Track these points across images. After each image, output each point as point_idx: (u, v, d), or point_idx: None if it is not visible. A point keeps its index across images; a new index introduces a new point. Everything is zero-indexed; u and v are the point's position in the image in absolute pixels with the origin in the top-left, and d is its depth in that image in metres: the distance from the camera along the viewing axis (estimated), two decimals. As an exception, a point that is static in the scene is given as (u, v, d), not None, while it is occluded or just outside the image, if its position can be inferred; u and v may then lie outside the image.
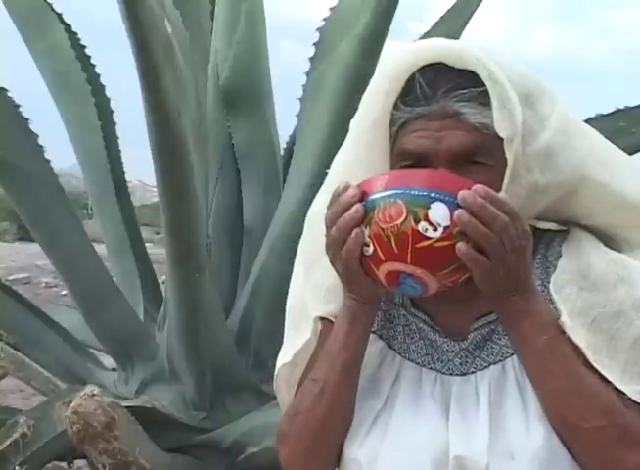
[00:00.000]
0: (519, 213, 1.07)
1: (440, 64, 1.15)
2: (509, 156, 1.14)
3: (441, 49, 1.16)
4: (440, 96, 1.14)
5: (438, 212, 1.05)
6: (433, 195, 1.05)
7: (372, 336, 1.24)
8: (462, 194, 1.05)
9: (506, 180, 1.15)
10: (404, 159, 1.17)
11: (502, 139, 1.14)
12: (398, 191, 1.07)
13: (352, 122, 1.25)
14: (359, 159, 1.23)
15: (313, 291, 1.28)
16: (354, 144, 1.24)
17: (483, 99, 1.13)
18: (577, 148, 1.20)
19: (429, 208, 1.05)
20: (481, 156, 1.15)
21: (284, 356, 1.32)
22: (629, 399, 1.14)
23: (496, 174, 1.15)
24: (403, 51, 1.18)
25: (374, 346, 1.24)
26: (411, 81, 1.16)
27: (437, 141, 1.14)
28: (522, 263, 1.09)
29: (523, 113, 1.14)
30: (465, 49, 1.15)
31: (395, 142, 1.18)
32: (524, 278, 1.11)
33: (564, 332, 1.14)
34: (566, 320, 1.15)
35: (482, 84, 1.13)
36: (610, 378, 1.14)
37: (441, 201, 1.05)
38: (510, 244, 1.06)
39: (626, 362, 1.14)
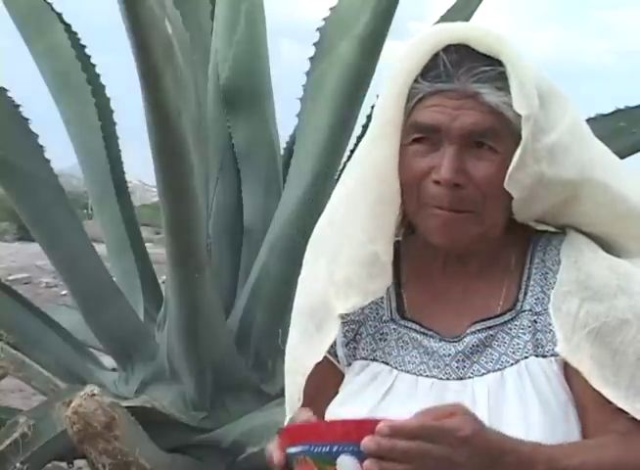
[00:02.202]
0: (440, 425, 1.01)
1: (464, 47, 1.17)
2: (524, 134, 1.14)
3: (465, 30, 1.18)
4: (462, 75, 1.15)
5: (346, 466, 1.00)
6: (335, 449, 1.00)
7: (363, 362, 1.25)
8: (364, 444, 0.98)
9: (516, 158, 1.15)
10: (415, 131, 1.18)
11: (513, 129, 1.15)
12: (304, 448, 1.02)
13: (375, 105, 1.26)
14: (380, 138, 1.22)
15: (334, 287, 1.26)
16: (374, 124, 1.24)
17: (503, 83, 1.15)
18: (584, 151, 1.21)
19: (334, 464, 1.00)
20: (491, 139, 1.16)
21: (312, 356, 1.28)
22: (632, 418, 1.13)
23: (503, 163, 1.16)
24: (427, 32, 1.20)
25: (366, 372, 1.24)
26: (433, 61, 1.17)
27: (452, 118, 1.15)
28: (476, 457, 1.01)
29: (536, 114, 1.15)
30: (488, 31, 1.18)
31: (410, 117, 1.19)
32: (492, 458, 1.03)
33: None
34: (562, 347, 1.15)
35: (503, 71, 1.15)
36: (613, 397, 1.13)
37: (346, 453, 1.00)
38: (440, 456, 0.99)
39: (631, 378, 1.14)
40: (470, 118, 1.15)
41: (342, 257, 1.25)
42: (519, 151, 1.15)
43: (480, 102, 1.15)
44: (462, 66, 1.15)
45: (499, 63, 1.16)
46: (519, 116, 1.15)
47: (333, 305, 1.26)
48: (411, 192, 1.20)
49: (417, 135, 1.18)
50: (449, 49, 1.17)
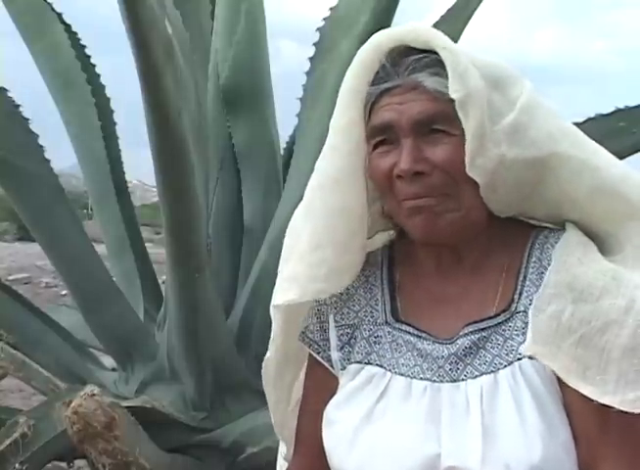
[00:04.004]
0: None
1: (404, 47, 1.21)
2: (462, 117, 1.16)
3: (400, 31, 1.23)
4: (403, 71, 1.20)
5: None
6: None
7: (358, 366, 1.25)
8: None
9: (469, 146, 1.16)
10: (374, 134, 1.22)
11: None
12: None
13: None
14: (335, 146, 1.26)
15: (279, 283, 1.31)
16: (329, 133, 1.28)
17: (440, 68, 1.18)
18: (545, 125, 1.22)
19: None
20: (442, 123, 1.18)
21: (269, 353, 1.34)
22: (624, 413, 1.12)
23: (460, 144, 1.17)
24: (369, 41, 1.24)
25: (361, 375, 1.25)
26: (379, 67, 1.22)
27: (400, 112, 1.19)
28: None
29: (491, 96, 1.18)
30: (421, 27, 1.23)
31: (368, 124, 1.23)
32: None
33: None
34: (529, 347, 1.15)
35: (439, 58, 1.19)
36: (596, 394, 1.12)
37: None
38: None
39: (619, 372, 1.13)
40: (415, 109, 1.18)
41: (294, 255, 1.30)
42: (471, 135, 1.16)
43: (422, 91, 1.18)
44: (401, 62, 1.20)
45: (436, 53, 1.20)
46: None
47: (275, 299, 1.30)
48: (386, 194, 1.23)
49: (377, 139, 1.21)
50: (390, 52, 1.22)
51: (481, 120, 1.16)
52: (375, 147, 1.22)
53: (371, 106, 1.22)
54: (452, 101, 1.17)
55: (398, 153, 1.19)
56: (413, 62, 1.19)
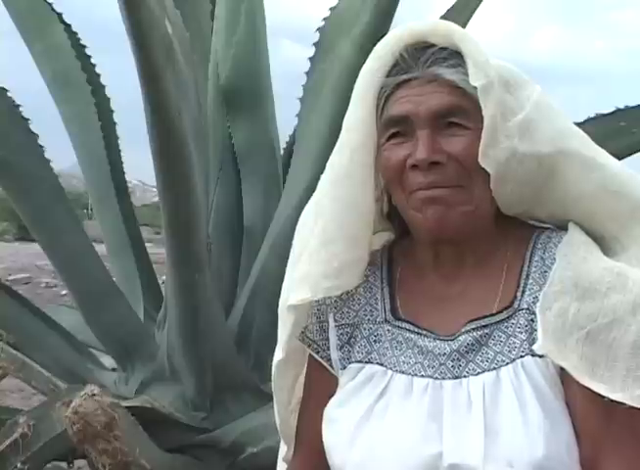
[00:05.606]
0: None
1: (422, 43, 1.23)
2: (483, 106, 1.18)
3: (419, 27, 1.24)
4: (420, 63, 1.21)
5: None
6: None
7: (358, 365, 1.25)
8: None
9: (484, 136, 1.17)
10: (389, 126, 1.22)
11: (479, 105, 1.18)
12: None
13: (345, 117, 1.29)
14: (348, 141, 1.26)
15: (291, 284, 1.31)
16: (344, 130, 1.28)
17: (459, 60, 1.20)
18: (554, 123, 1.24)
19: None
20: (459, 116, 1.19)
21: (277, 354, 1.34)
22: (631, 408, 1.12)
23: (475, 137, 1.18)
24: (386, 37, 1.26)
25: (361, 374, 1.25)
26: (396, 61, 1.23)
27: (418, 104, 1.20)
28: None
29: (503, 97, 1.19)
30: (439, 22, 1.25)
31: (382, 116, 1.23)
32: None
33: None
34: (541, 345, 1.15)
35: (458, 51, 1.21)
36: (606, 391, 1.13)
37: None
38: None
39: (627, 369, 1.13)
40: (433, 101, 1.19)
41: (304, 256, 1.29)
42: (486, 126, 1.18)
43: (441, 83, 1.20)
44: (421, 56, 1.21)
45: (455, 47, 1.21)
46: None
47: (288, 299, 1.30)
48: (396, 186, 1.23)
49: (392, 130, 1.22)
50: (408, 46, 1.23)
51: (497, 112, 1.18)
52: (387, 139, 1.22)
53: (386, 98, 1.22)
54: (470, 95, 1.18)
55: (413, 144, 1.20)
56: (432, 54, 1.20)
